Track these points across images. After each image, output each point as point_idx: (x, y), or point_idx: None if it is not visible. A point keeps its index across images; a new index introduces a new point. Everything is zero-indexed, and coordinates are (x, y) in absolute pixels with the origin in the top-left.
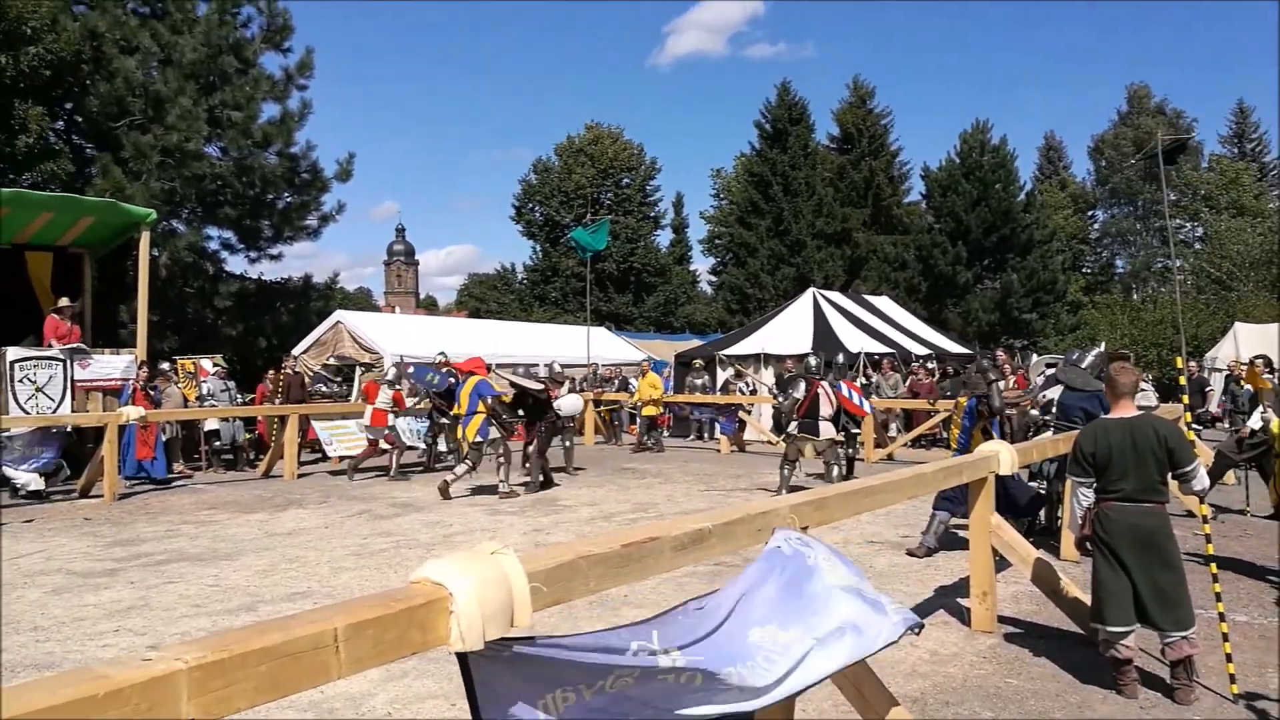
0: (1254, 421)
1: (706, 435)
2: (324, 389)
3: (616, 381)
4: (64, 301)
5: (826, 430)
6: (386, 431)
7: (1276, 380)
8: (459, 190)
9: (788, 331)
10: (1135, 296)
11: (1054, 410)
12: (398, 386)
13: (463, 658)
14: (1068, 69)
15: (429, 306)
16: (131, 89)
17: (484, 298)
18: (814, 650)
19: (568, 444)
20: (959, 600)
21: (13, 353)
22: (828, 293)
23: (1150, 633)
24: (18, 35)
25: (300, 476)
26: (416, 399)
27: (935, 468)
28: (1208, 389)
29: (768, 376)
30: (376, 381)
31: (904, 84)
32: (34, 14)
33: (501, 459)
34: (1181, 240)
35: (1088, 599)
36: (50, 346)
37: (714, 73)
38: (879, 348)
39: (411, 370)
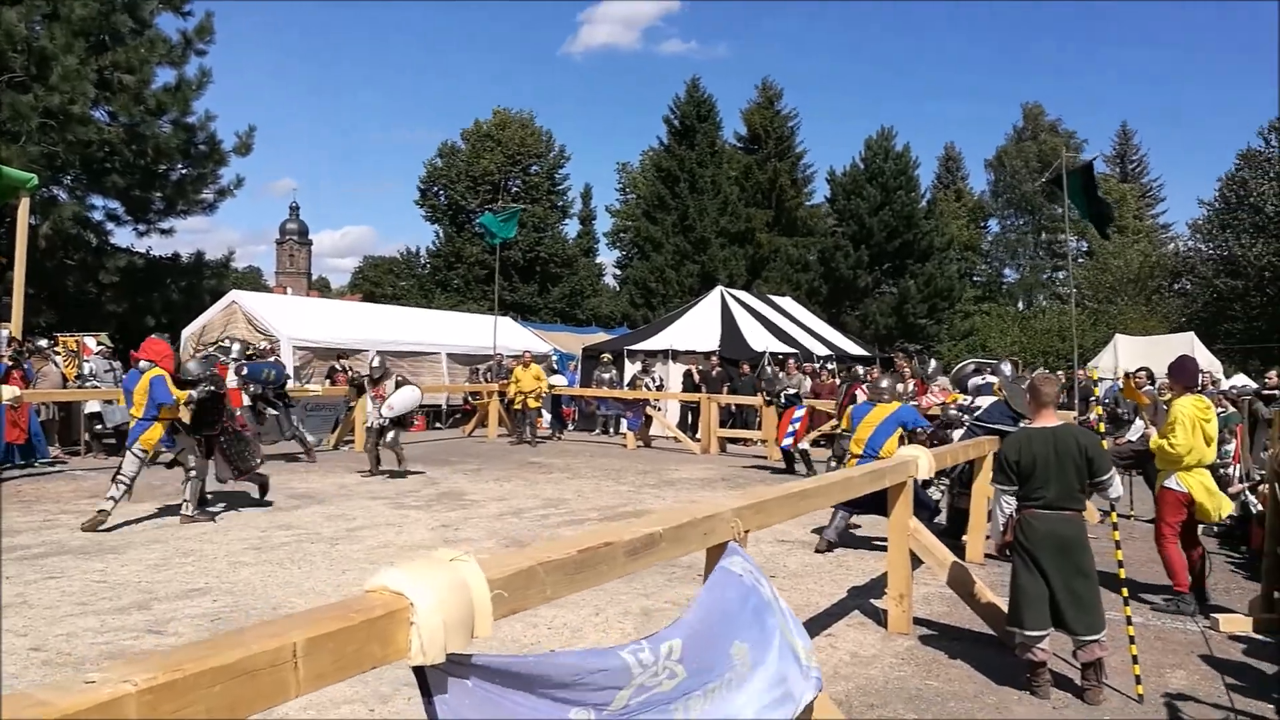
0: (1132, 434)
1: (612, 430)
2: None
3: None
4: None
5: None
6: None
7: (1155, 392)
8: (358, 169)
9: (695, 329)
10: (1020, 306)
11: (976, 415)
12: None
13: (420, 673)
14: (966, 81)
15: (321, 288)
16: (13, 43)
17: (380, 281)
18: (772, 705)
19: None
20: (873, 601)
21: None
22: (735, 291)
23: (1060, 635)
24: None
25: None
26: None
27: (861, 472)
28: (1091, 397)
29: (675, 373)
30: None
31: (811, 88)
32: None
33: (193, 473)
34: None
35: (1001, 603)
36: None
37: (625, 66)
38: (784, 348)
39: (246, 371)
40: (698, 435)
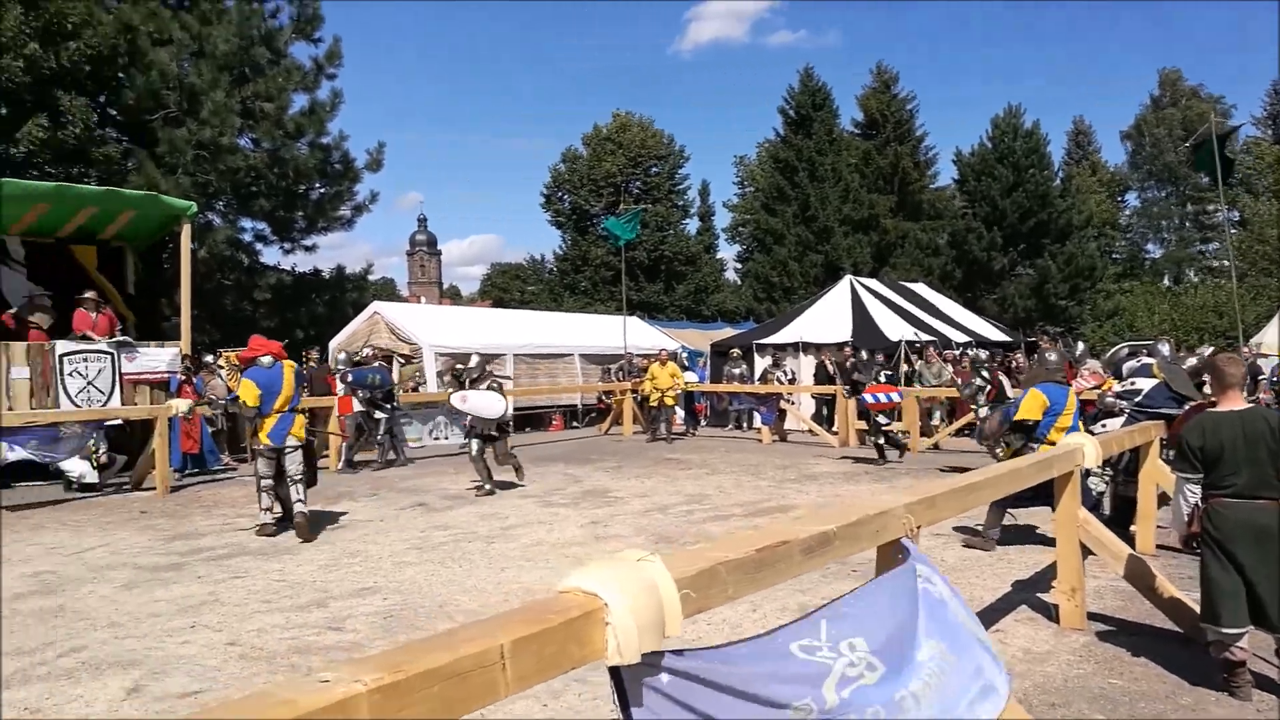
0: None
1: (745, 425)
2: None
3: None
4: (89, 294)
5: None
6: (344, 419)
7: None
8: (481, 180)
9: (826, 319)
10: (1167, 282)
11: (1137, 400)
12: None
13: (616, 673)
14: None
15: (452, 296)
16: (166, 82)
17: (508, 287)
18: (980, 696)
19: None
20: (1040, 595)
21: (62, 345)
22: (865, 279)
23: (1260, 632)
24: (58, 30)
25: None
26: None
27: (1029, 462)
28: (1260, 376)
29: (806, 365)
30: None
31: (927, 70)
32: (73, 9)
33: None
34: (1219, 225)
35: (1186, 598)
36: (90, 338)
37: (735, 60)
38: (919, 335)
39: (351, 378)
40: (834, 428)
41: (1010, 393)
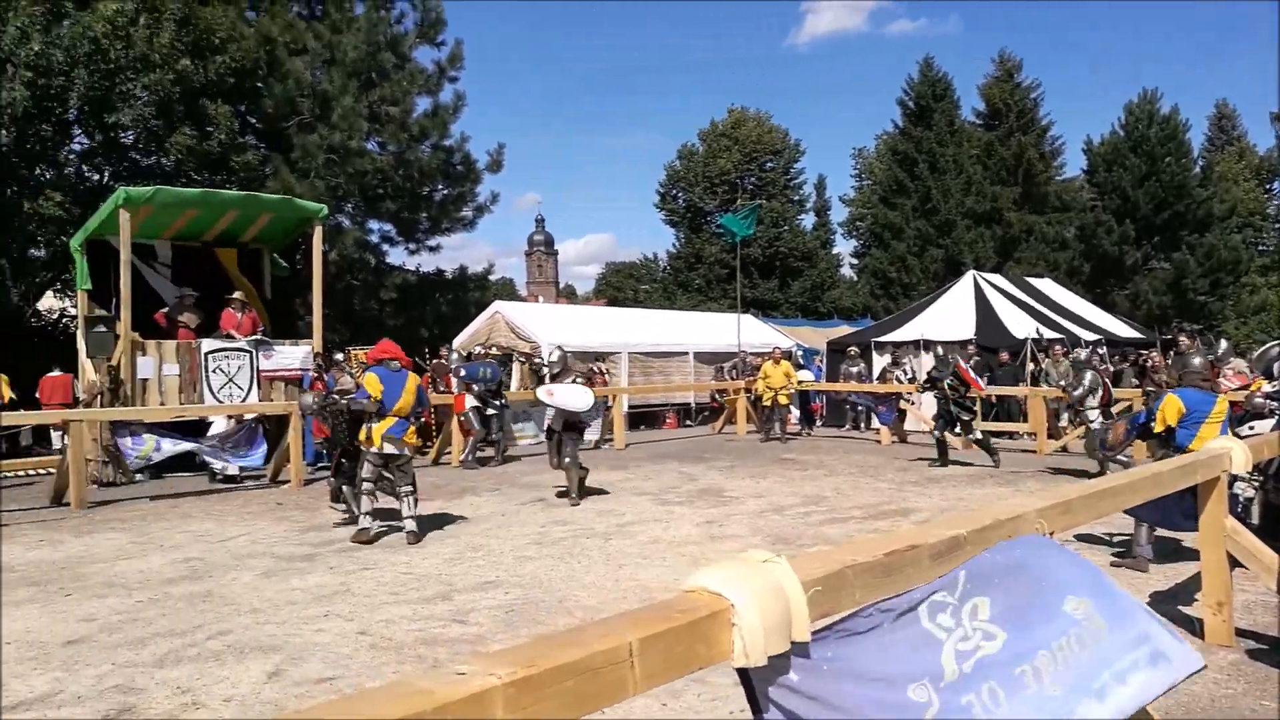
0: None
1: (863, 425)
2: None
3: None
4: (236, 295)
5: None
6: (461, 418)
7: None
8: (597, 179)
9: (948, 316)
10: None
11: None
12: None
13: (744, 673)
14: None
15: (568, 295)
16: (301, 89)
17: (621, 286)
18: (1133, 667)
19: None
20: (1181, 608)
21: (208, 344)
22: (989, 275)
23: None
24: (207, 44)
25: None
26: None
27: (1170, 466)
28: None
29: (927, 364)
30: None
31: (1052, 57)
32: (220, 24)
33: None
34: None
35: None
36: (233, 337)
37: (853, 51)
38: (1046, 332)
39: (464, 372)
40: (957, 429)
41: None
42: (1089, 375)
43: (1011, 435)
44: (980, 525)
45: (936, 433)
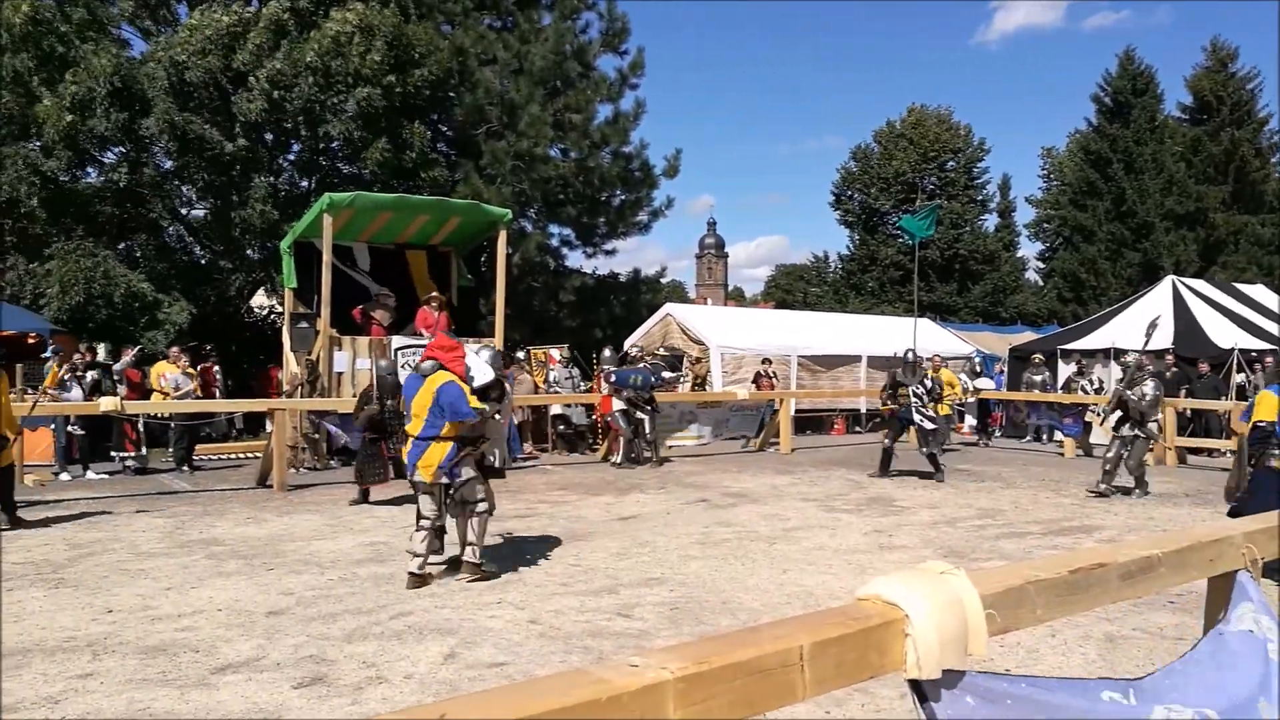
0: None
1: (1045, 438)
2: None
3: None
4: (434, 294)
5: None
6: (609, 419)
7: None
8: (769, 181)
9: (1142, 324)
10: None
11: None
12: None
13: (917, 685)
14: None
15: (737, 298)
16: (490, 98)
17: (791, 288)
18: None
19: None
20: None
21: (398, 340)
22: (1190, 280)
23: None
24: (407, 60)
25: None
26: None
27: None
28: None
29: (1117, 374)
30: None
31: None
32: (419, 40)
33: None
34: None
35: None
36: (422, 335)
37: (1046, 47)
38: (1256, 343)
39: (614, 377)
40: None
41: None
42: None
43: (1211, 453)
44: (1177, 547)
45: (888, 443)
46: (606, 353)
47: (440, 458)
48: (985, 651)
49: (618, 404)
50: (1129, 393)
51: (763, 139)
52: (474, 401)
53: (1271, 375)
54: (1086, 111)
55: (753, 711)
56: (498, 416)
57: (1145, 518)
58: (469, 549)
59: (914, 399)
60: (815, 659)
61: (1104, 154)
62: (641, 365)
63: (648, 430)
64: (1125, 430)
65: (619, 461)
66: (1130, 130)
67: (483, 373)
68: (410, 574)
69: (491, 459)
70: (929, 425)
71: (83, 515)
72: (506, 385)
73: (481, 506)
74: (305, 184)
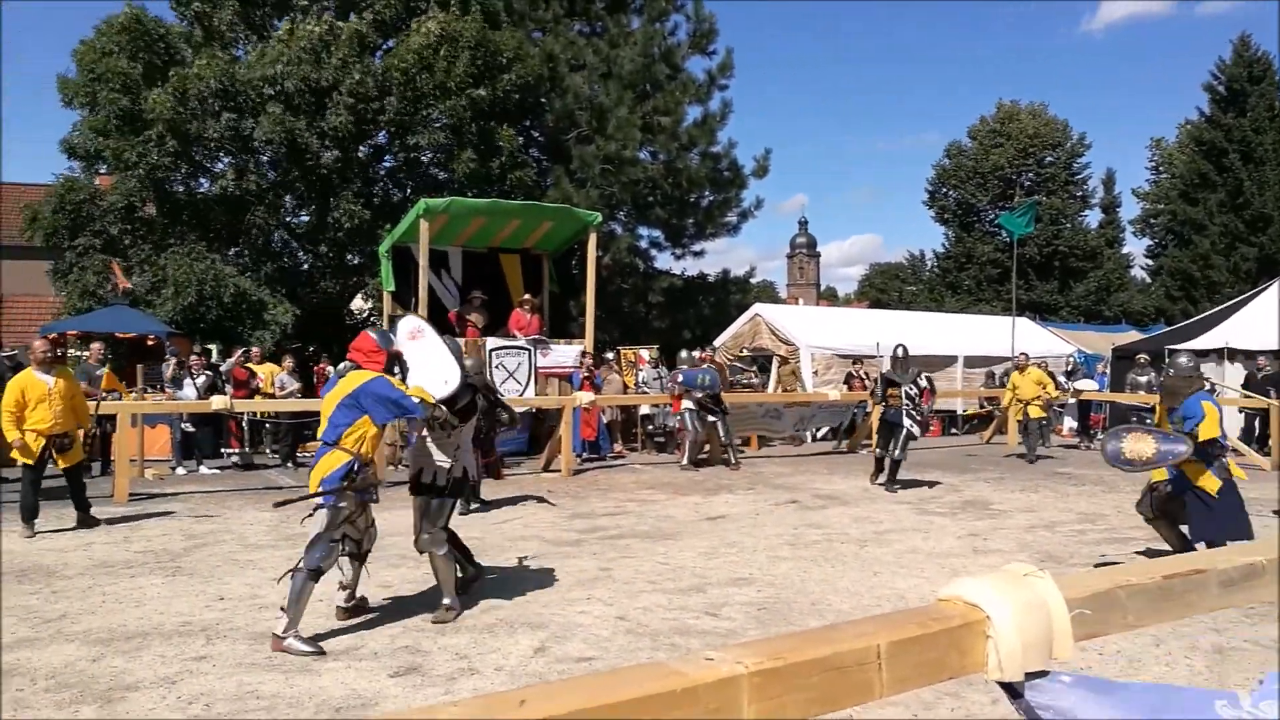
0: None
1: None
2: (743, 380)
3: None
4: (527, 297)
5: None
6: (678, 420)
7: None
8: (862, 179)
9: (1259, 323)
10: None
11: None
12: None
13: (1009, 688)
14: None
15: (829, 298)
16: (579, 103)
17: (885, 288)
18: None
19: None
20: None
21: (492, 342)
22: None
23: None
24: (495, 65)
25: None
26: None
27: None
28: None
29: (1232, 375)
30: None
31: None
32: (507, 46)
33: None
34: None
35: None
36: (515, 336)
37: (1154, 36)
38: None
39: (682, 378)
40: (1266, 448)
41: None
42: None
43: None
44: None
45: (879, 451)
46: (682, 354)
47: (327, 471)
48: (1071, 655)
49: (687, 404)
50: None
51: (857, 136)
52: (419, 393)
53: (1185, 381)
54: (1198, 101)
55: (829, 709)
56: (451, 434)
57: (1260, 526)
58: (286, 619)
59: (906, 400)
60: (893, 658)
61: (1218, 144)
62: (707, 365)
63: (721, 433)
64: None
65: (684, 462)
66: (1247, 119)
67: (440, 380)
68: (338, 607)
69: (434, 478)
70: (916, 431)
71: (197, 509)
72: (479, 399)
73: (331, 550)
74: (399, 193)
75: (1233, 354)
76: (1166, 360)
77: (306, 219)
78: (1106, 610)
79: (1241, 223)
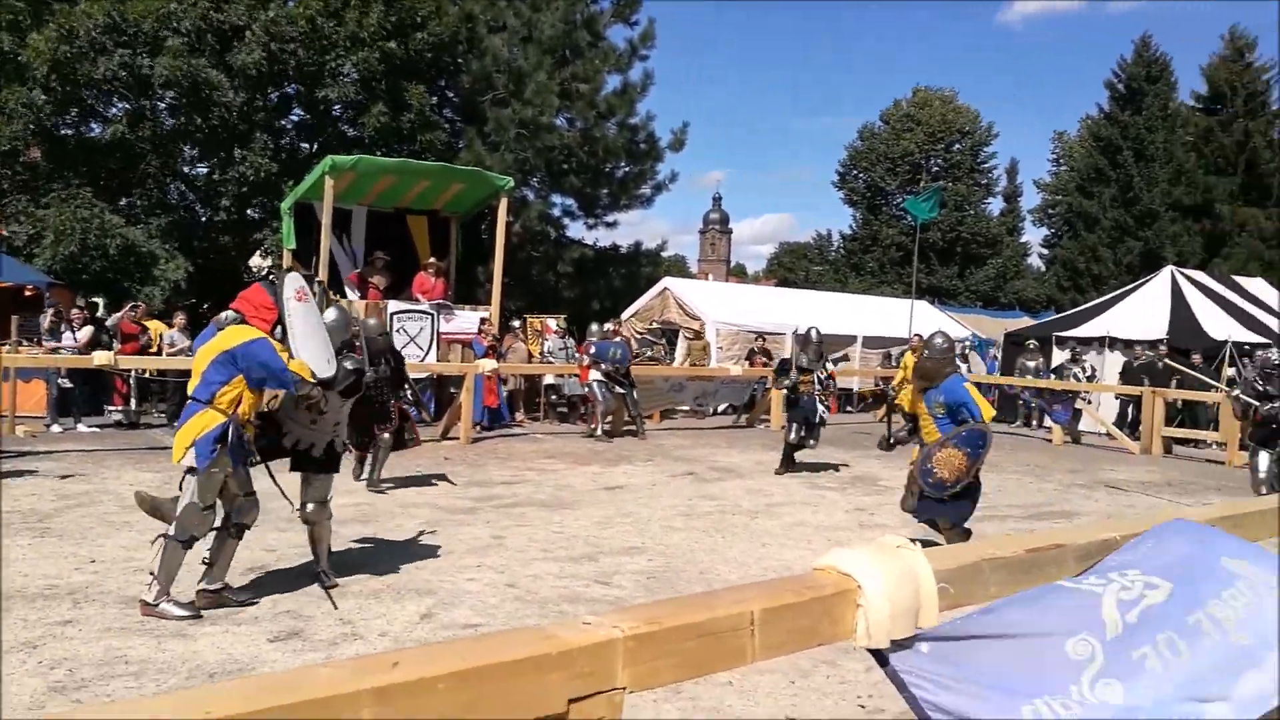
0: None
1: (1035, 423)
2: (649, 352)
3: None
4: (431, 260)
5: None
6: (586, 390)
7: None
8: (778, 159)
9: (1139, 313)
10: None
11: None
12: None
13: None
14: None
15: (739, 274)
16: (497, 66)
17: (793, 267)
18: None
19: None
20: None
21: (394, 305)
22: (1189, 271)
23: None
24: (409, 23)
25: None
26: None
27: None
28: None
29: (1111, 362)
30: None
31: None
32: (424, 3)
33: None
34: None
35: None
36: (418, 300)
37: (1065, 31)
38: (1251, 336)
39: (593, 350)
40: (1137, 434)
41: None
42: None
43: (1198, 444)
44: (1136, 530)
45: (795, 438)
46: (594, 326)
47: (199, 433)
48: (935, 624)
49: (595, 375)
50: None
51: (774, 115)
52: (296, 366)
53: (940, 362)
54: (1100, 98)
55: (702, 672)
56: (324, 410)
57: (1125, 505)
58: (154, 580)
59: (818, 385)
60: (767, 624)
61: (1114, 140)
62: (619, 340)
63: (629, 404)
64: None
65: (597, 431)
66: (1142, 117)
67: (323, 358)
68: (199, 590)
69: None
70: (826, 416)
71: (71, 468)
72: (373, 372)
73: (210, 521)
74: (307, 147)
75: (1113, 342)
76: (1056, 346)
77: (206, 170)
78: (971, 582)
79: (1131, 217)
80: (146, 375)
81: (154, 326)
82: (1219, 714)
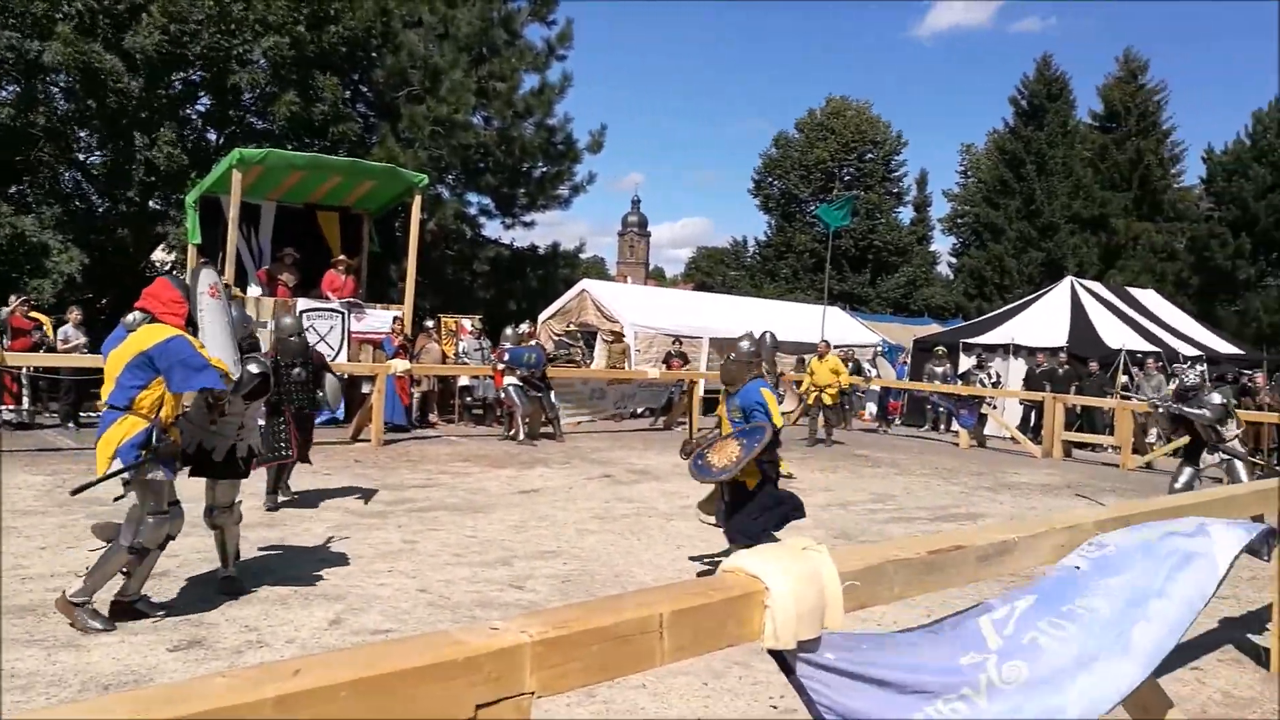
0: None
1: (943, 427)
2: (567, 354)
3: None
4: (341, 258)
5: None
6: (502, 394)
7: None
8: (699, 163)
9: (1041, 322)
10: None
11: None
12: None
13: (780, 656)
14: None
15: (657, 278)
16: (413, 61)
17: (711, 271)
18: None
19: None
20: (1250, 637)
21: (303, 303)
22: (1088, 282)
23: None
24: (322, 15)
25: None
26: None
27: (1249, 489)
28: None
29: (1014, 369)
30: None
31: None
32: None
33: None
34: None
35: None
36: (328, 298)
37: (973, 47)
38: (1143, 345)
39: (508, 356)
40: (1039, 438)
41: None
42: (1216, 398)
43: (1095, 448)
44: (1033, 532)
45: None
46: (508, 330)
47: (119, 441)
48: (841, 624)
49: (511, 380)
50: (1191, 410)
51: (693, 120)
52: (219, 365)
53: (744, 366)
54: (1005, 113)
55: (611, 676)
56: (225, 412)
57: (1027, 507)
58: (83, 584)
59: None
60: (674, 627)
61: (1018, 154)
62: (534, 343)
63: (546, 408)
64: (1208, 457)
65: (516, 435)
66: (1044, 133)
67: (231, 358)
68: (113, 601)
69: (248, 448)
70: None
71: None
72: (289, 374)
73: (143, 532)
74: (214, 137)
75: (1017, 349)
76: (963, 353)
77: (102, 158)
78: (876, 582)
79: (1034, 229)
80: (39, 373)
81: (43, 320)
82: (1125, 665)
